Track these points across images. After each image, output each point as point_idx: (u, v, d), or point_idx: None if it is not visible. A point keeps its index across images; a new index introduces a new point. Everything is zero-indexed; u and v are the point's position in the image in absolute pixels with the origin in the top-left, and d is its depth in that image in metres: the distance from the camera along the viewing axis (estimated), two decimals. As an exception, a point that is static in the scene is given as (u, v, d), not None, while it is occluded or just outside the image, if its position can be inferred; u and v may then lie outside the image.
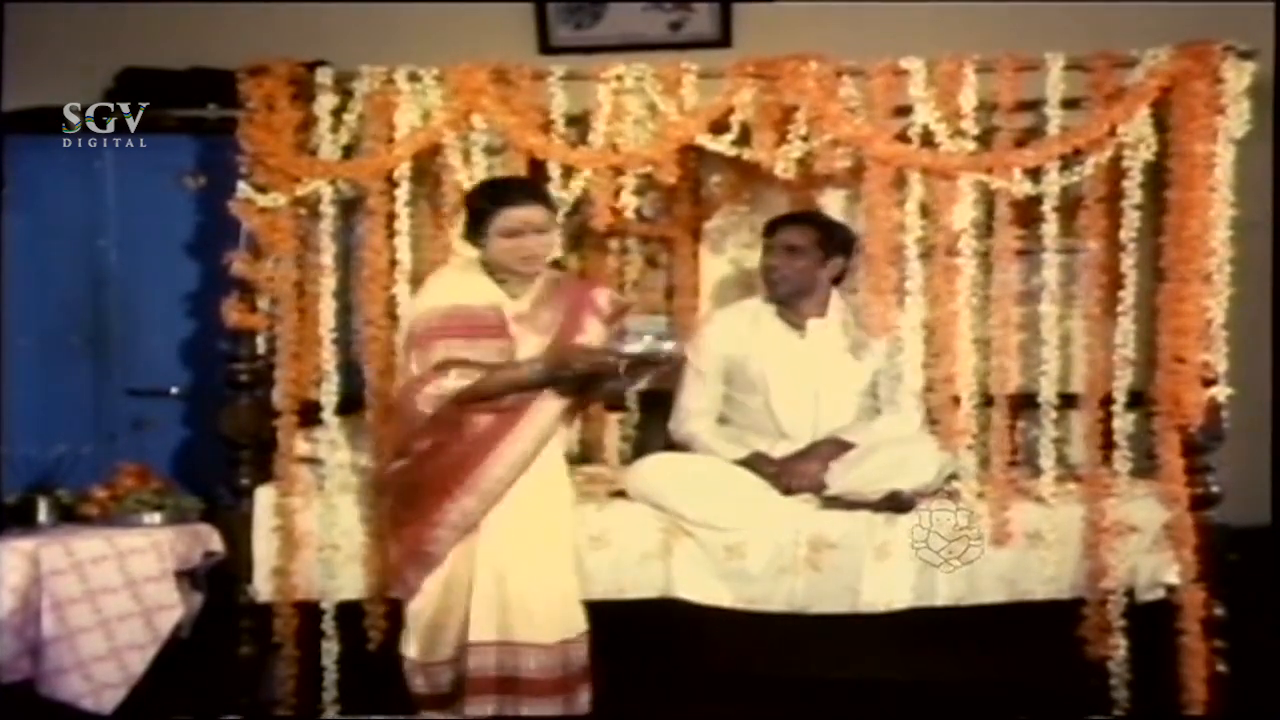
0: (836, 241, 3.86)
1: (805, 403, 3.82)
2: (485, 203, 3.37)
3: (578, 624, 3.37)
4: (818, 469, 3.63)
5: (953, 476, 3.65)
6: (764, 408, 3.84)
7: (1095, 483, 3.61)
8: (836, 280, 3.90)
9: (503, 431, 3.32)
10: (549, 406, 3.36)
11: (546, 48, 4.44)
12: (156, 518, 3.74)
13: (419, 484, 3.34)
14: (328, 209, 3.74)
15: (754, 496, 3.62)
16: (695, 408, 3.88)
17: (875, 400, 3.84)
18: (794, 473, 3.65)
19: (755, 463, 3.71)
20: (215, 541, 3.82)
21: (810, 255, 3.82)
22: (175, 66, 4.39)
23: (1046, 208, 3.59)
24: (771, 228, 3.89)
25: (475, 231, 3.37)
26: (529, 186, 3.48)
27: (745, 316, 3.91)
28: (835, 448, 3.67)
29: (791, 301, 3.86)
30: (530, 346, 3.36)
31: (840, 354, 3.83)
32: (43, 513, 3.74)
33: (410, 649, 3.36)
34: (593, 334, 3.42)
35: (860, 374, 3.83)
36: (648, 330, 3.66)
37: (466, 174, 3.67)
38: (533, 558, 3.33)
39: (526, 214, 3.34)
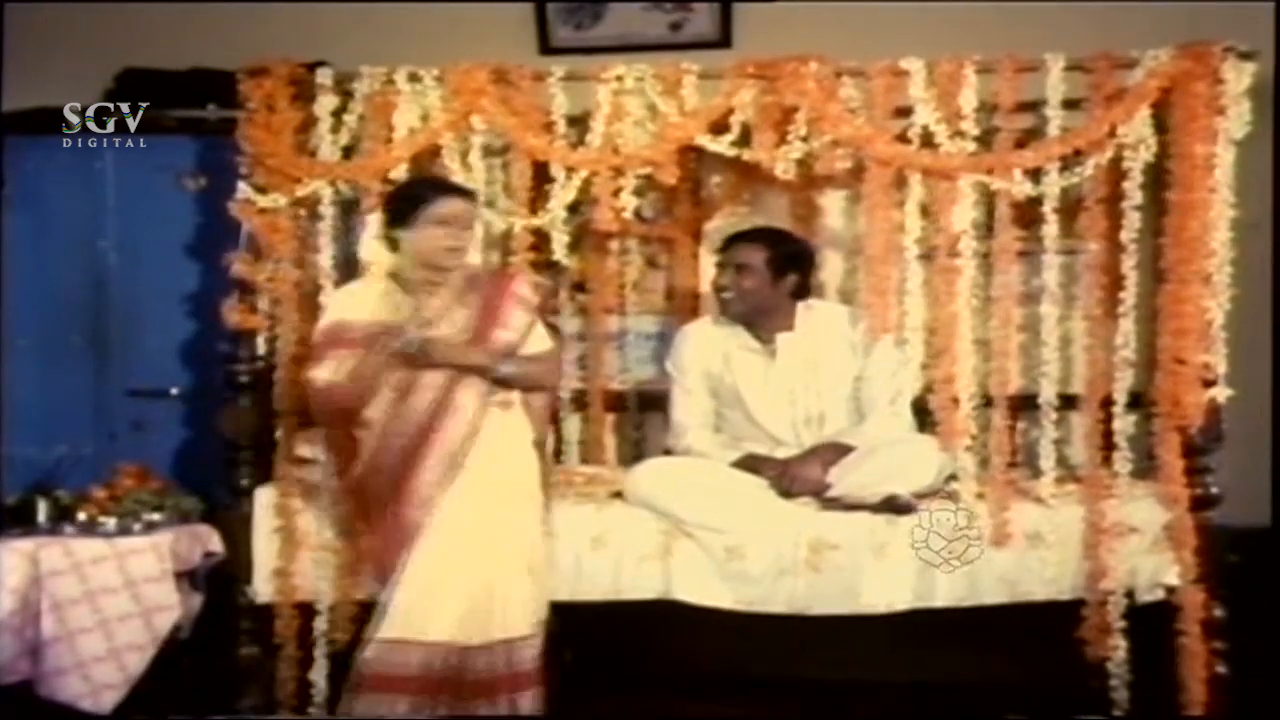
0: (789, 257, 3.81)
1: (786, 416, 3.81)
2: (419, 190, 3.41)
3: (522, 625, 3.28)
4: (818, 472, 3.63)
5: (952, 477, 3.65)
6: (748, 421, 3.84)
7: (1095, 484, 3.61)
8: (798, 295, 3.86)
9: (429, 432, 3.30)
10: (470, 401, 3.32)
11: (547, 48, 4.44)
12: (156, 518, 3.74)
13: (362, 491, 3.36)
14: (328, 210, 3.74)
15: (753, 500, 3.62)
16: (688, 422, 3.88)
17: (860, 404, 3.82)
18: (795, 476, 3.64)
19: (757, 465, 3.71)
20: (215, 542, 3.82)
21: (759, 274, 3.77)
22: (175, 67, 4.39)
23: (1047, 209, 3.59)
24: (724, 245, 3.88)
25: (403, 223, 3.34)
26: (455, 183, 3.53)
27: (714, 334, 3.89)
28: (835, 451, 3.67)
29: (751, 320, 3.83)
30: None
31: (816, 364, 3.81)
32: (42, 513, 3.74)
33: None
34: (516, 324, 3.41)
35: (840, 381, 3.80)
36: None
37: (466, 175, 3.67)
38: (481, 556, 3.27)
39: (456, 206, 3.37)
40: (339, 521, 3.63)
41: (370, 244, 3.41)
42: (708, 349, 3.87)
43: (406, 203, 3.37)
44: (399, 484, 3.29)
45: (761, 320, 3.83)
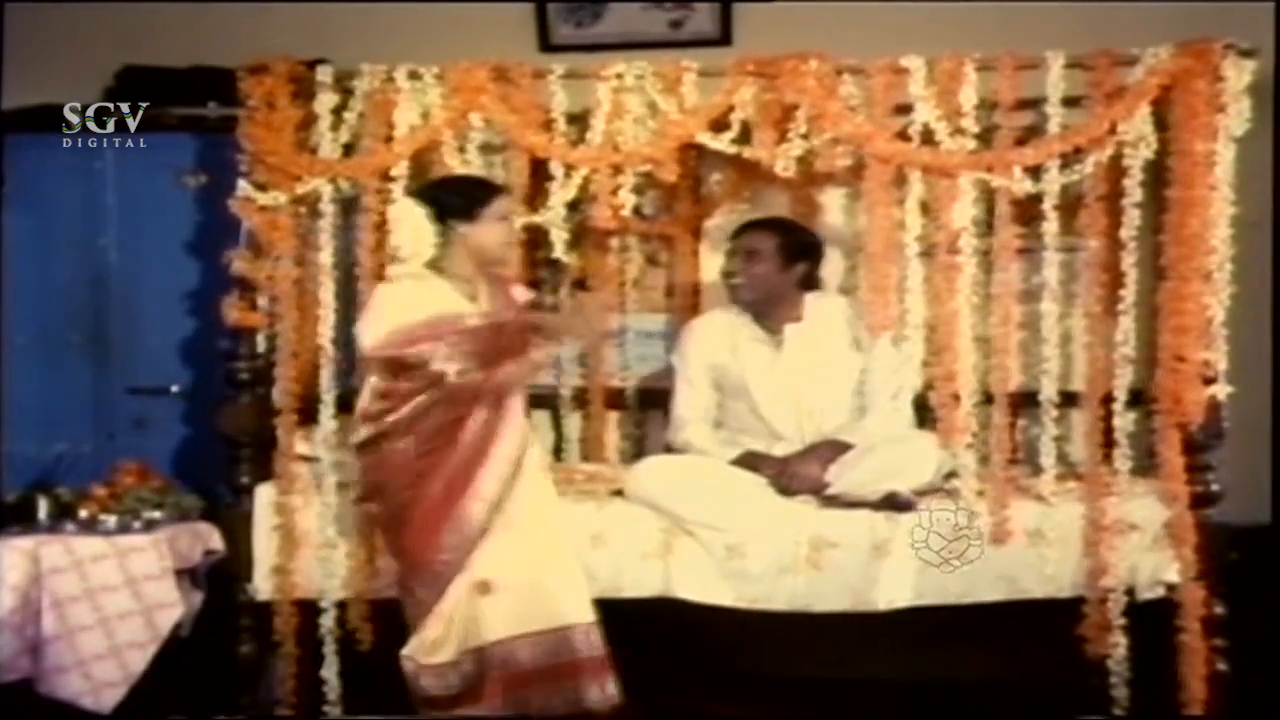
0: (799, 247, 3.85)
1: (790, 409, 3.82)
2: (483, 186, 3.44)
3: (585, 612, 3.36)
4: (817, 470, 3.63)
5: (952, 475, 3.64)
6: (752, 413, 3.85)
7: (1095, 481, 3.61)
8: (805, 285, 3.88)
9: (492, 433, 3.33)
10: (519, 403, 3.43)
11: (547, 46, 4.43)
12: (156, 516, 3.74)
13: (418, 500, 3.32)
14: (328, 207, 3.74)
15: (753, 498, 3.62)
16: (688, 415, 3.88)
17: (863, 398, 3.82)
18: (793, 474, 3.65)
19: (755, 463, 3.71)
20: (215, 540, 3.82)
21: (770, 261, 3.80)
22: (175, 65, 4.38)
23: (1047, 206, 3.59)
24: (735, 233, 3.90)
25: (466, 216, 3.35)
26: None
27: (723, 324, 3.90)
28: (834, 449, 3.67)
29: (760, 309, 3.85)
30: None
31: (823, 357, 3.82)
32: (43, 511, 3.74)
33: (418, 652, 3.33)
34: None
35: (845, 375, 3.82)
36: None
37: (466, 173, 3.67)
38: (535, 550, 3.35)
39: (510, 204, 3.46)
40: (368, 521, 3.58)
41: (414, 234, 3.35)
42: (715, 340, 3.88)
43: (470, 198, 3.39)
44: (462, 486, 3.30)
45: (770, 309, 3.84)
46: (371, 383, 3.35)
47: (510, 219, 3.48)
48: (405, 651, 3.35)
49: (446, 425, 3.31)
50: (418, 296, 3.33)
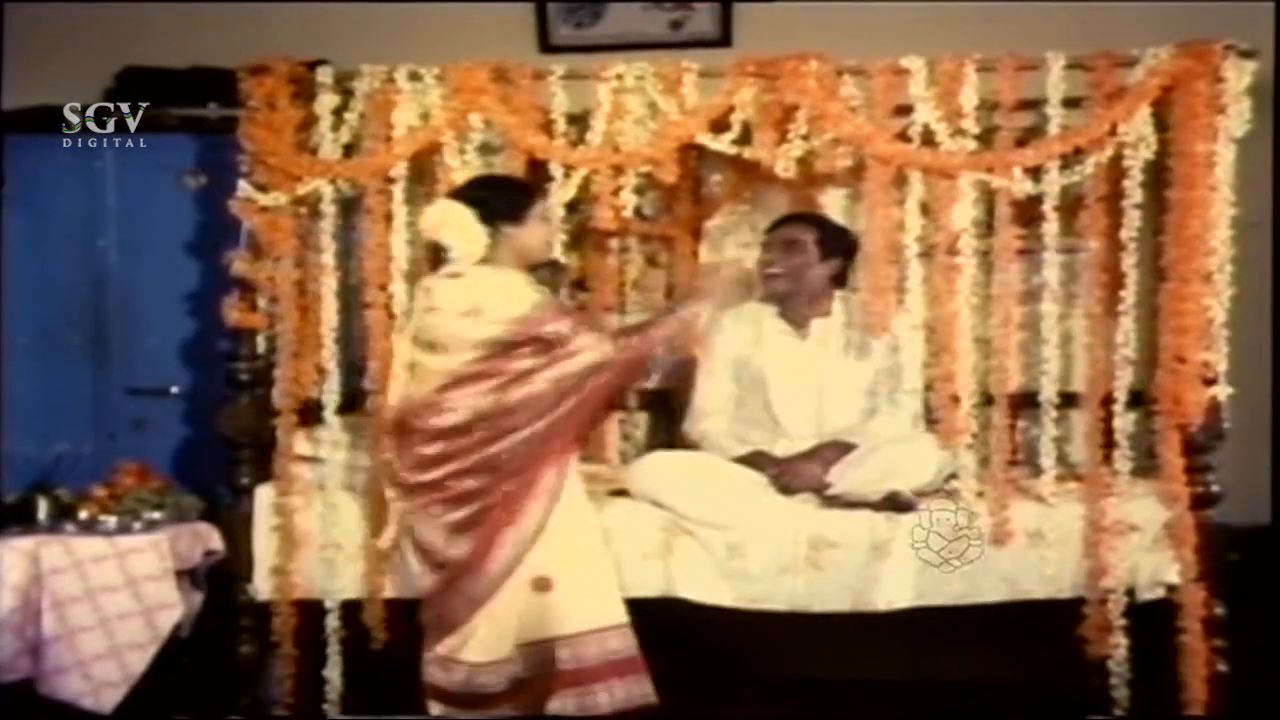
0: (836, 242, 3.88)
1: (808, 401, 3.83)
2: (528, 188, 3.50)
3: (619, 613, 3.41)
4: (819, 471, 3.63)
5: (952, 476, 3.64)
6: (764, 408, 3.85)
7: (1096, 482, 3.60)
8: (838, 282, 3.90)
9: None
10: None
11: (547, 47, 4.44)
12: (156, 516, 3.74)
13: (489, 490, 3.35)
14: (328, 208, 3.74)
15: (754, 496, 3.63)
16: (709, 407, 3.89)
17: (876, 398, 3.83)
18: (795, 473, 3.65)
19: (757, 462, 3.71)
20: (215, 540, 3.82)
21: (808, 253, 3.83)
22: (175, 65, 4.39)
23: (1047, 207, 3.58)
24: (773, 226, 3.93)
25: (513, 218, 3.41)
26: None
27: (750, 315, 3.91)
28: (837, 450, 3.67)
29: (791, 301, 3.87)
30: None
31: (844, 353, 3.84)
32: (42, 512, 3.74)
33: (460, 651, 3.36)
34: None
35: (864, 372, 3.84)
36: None
37: (461, 175, 3.66)
38: (583, 546, 3.41)
39: (550, 205, 3.56)
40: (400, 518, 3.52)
41: (465, 235, 3.38)
42: (741, 331, 3.89)
43: (515, 200, 3.44)
44: (533, 481, 3.35)
45: (800, 303, 3.86)
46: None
47: (551, 219, 3.55)
48: (441, 651, 3.36)
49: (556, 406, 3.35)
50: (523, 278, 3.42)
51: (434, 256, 3.48)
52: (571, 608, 3.35)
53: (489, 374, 3.33)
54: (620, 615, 3.40)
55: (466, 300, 3.35)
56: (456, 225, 3.38)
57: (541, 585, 3.34)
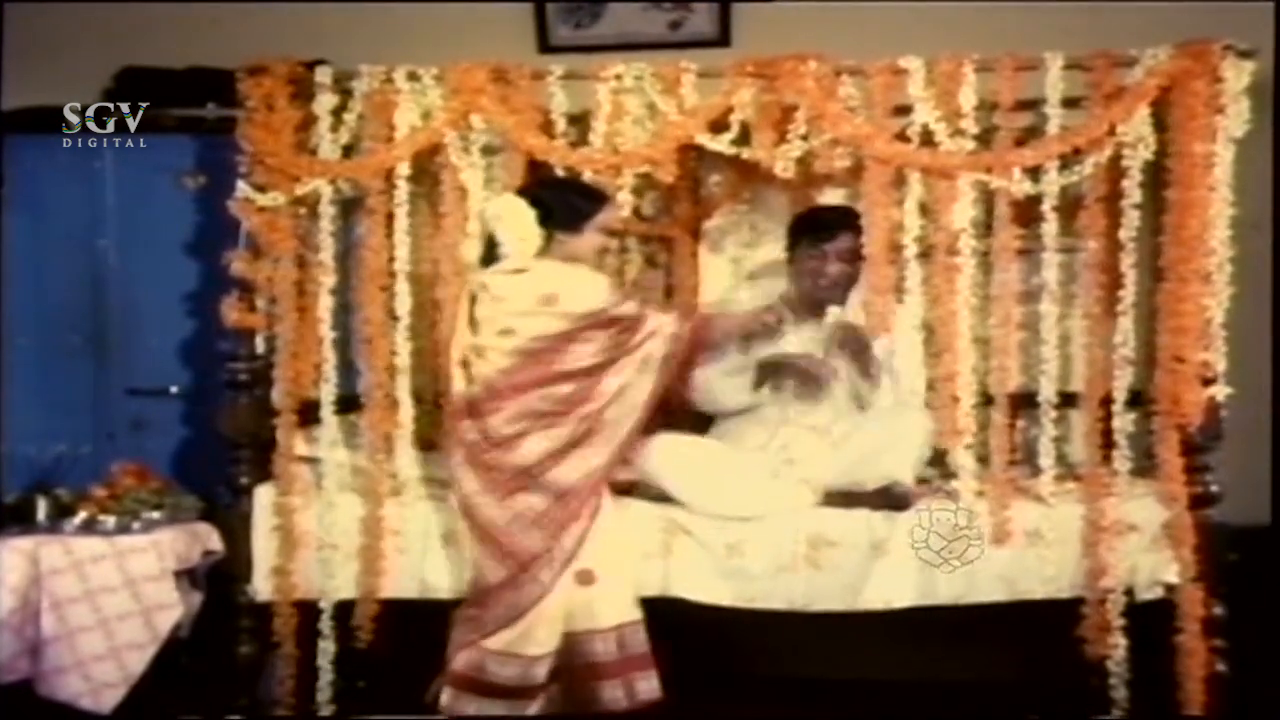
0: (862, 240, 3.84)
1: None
2: (595, 198, 3.55)
3: (634, 609, 3.49)
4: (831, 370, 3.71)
5: (951, 475, 3.64)
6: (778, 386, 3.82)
7: (1095, 482, 3.60)
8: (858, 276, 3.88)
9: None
10: None
11: (546, 47, 4.44)
12: (155, 517, 3.74)
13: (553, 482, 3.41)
14: (327, 208, 3.74)
15: (757, 484, 3.64)
16: (712, 373, 3.81)
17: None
18: (816, 364, 3.71)
19: (781, 367, 3.73)
20: (214, 541, 3.82)
21: (856, 260, 3.73)
22: (174, 66, 4.39)
23: (1046, 207, 3.58)
24: (819, 227, 3.80)
25: (572, 226, 3.50)
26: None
27: (769, 318, 3.83)
28: (847, 332, 3.71)
29: (821, 303, 3.80)
30: None
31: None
32: (42, 512, 3.75)
33: (516, 645, 3.38)
34: None
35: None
36: None
37: (467, 173, 3.67)
38: (613, 539, 3.48)
39: (614, 211, 3.63)
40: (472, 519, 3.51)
41: (522, 234, 3.46)
42: (758, 336, 3.82)
43: (579, 211, 3.52)
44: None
45: (826, 303, 3.79)
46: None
47: (608, 225, 3.63)
48: (496, 645, 3.38)
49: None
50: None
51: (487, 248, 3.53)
52: (607, 601, 3.42)
53: (560, 353, 3.43)
54: (638, 611, 3.48)
55: (538, 290, 3.45)
56: (515, 223, 3.47)
57: (585, 579, 3.40)
